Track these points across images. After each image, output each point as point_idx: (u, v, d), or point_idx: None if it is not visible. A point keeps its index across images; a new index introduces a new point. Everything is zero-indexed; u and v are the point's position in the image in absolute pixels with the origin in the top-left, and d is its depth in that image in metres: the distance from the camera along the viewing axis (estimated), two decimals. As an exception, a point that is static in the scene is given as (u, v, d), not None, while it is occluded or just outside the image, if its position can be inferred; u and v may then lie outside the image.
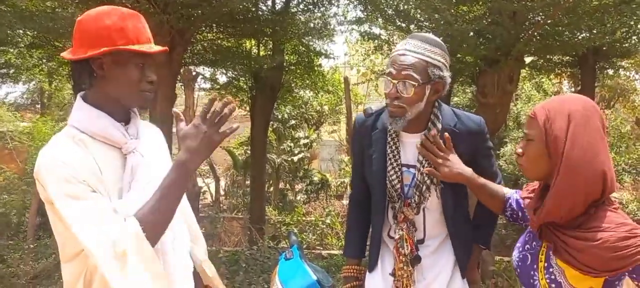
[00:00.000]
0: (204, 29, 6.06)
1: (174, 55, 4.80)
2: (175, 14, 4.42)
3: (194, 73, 10.09)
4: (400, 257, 2.07)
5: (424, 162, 2.01)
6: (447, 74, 1.97)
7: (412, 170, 2.06)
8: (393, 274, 2.10)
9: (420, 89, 1.92)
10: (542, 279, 1.51)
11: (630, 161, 9.36)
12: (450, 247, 2.12)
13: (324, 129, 15.64)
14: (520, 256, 1.63)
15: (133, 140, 1.62)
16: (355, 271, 2.31)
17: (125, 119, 1.65)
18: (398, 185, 2.06)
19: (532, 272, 1.55)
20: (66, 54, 1.58)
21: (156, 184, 1.55)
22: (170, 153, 2.03)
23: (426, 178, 2.02)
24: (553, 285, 1.48)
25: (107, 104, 1.59)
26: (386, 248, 2.18)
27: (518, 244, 1.68)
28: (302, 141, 13.28)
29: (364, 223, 2.29)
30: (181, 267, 1.71)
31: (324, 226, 8.11)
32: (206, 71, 9.19)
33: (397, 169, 2.05)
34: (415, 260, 2.06)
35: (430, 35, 2.01)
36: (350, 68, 14.27)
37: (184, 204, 1.93)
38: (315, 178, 13.25)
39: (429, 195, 2.05)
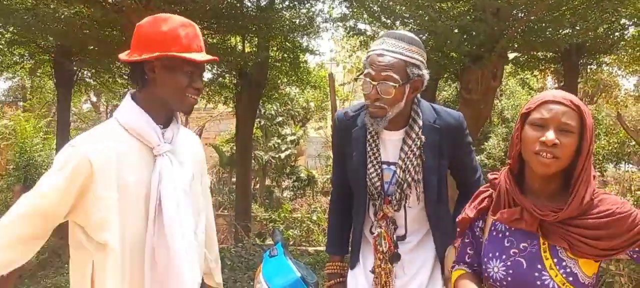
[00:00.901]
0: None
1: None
2: (157, 11, 4.39)
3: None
4: (379, 255, 2.07)
5: (405, 159, 2.02)
6: (425, 71, 1.97)
7: (392, 167, 2.06)
8: (373, 271, 2.11)
9: (400, 89, 1.92)
10: (556, 276, 1.44)
11: (612, 149, 9.55)
12: (431, 242, 2.13)
13: (310, 126, 15.65)
14: (510, 263, 1.51)
15: (166, 144, 1.70)
16: (338, 268, 2.31)
17: (165, 123, 1.73)
18: (378, 183, 2.06)
19: (536, 274, 1.46)
20: (123, 55, 1.70)
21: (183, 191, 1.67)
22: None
23: (407, 175, 2.03)
24: (570, 279, 1.43)
25: (152, 105, 1.69)
26: (368, 245, 2.18)
27: (493, 254, 1.55)
28: (289, 138, 13.28)
29: (346, 220, 2.29)
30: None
31: (310, 222, 8.12)
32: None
33: (377, 167, 2.05)
34: (394, 257, 2.06)
35: (407, 33, 2.00)
36: (337, 64, 14.28)
37: (208, 211, 2.03)
38: (302, 175, 13.26)
39: (410, 193, 2.05)
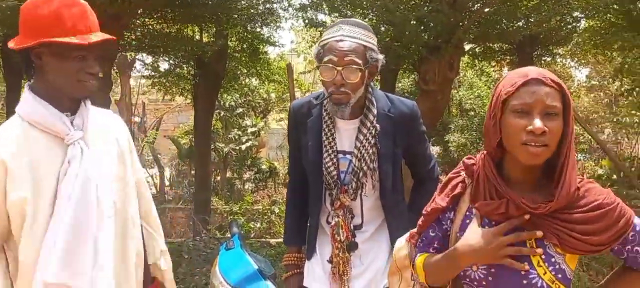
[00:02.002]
0: (142, 13, 5.86)
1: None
2: (106, -1, 4.24)
3: (130, 59, 9.79)
4: (337, 244, 2.07)
5: (361, 148, 2.02)
6: (380, 56, 2.01)
7: (348, 156, 2.05)
8: (330, 261, 2.11)
9: (362, 73, 1.94)
10: (545, 274, 1.32)
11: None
12: (386, 232, 2.14)
13: (271, 117, 15.57)
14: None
15: (77, 131, 1.59)
16: (295, 259, 2.30)
17: (71, 109, 1.62)
18: (334, 172, 2.05)
19: (522, 273, 1.32)
20: (12, 43, 1.58)
21: (90, 179, 1.55)
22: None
23: (363, 164, 2.03)
24: (559, 276, 1.33)
25: (50, 93, 1.58)
26: (325, 235, 2.18)
27: None
28: (250, 129, 13.15)
29: (303, 210, 2.27)
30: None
31: (272, 214, 8.09)
32: (146, 58, 8.89)
33: (333, 156, 2.05)
34: (352, 246, 2.07)
35: (360, 20, 2.04)
36: (297, 55, 14.23)
37: (144, 193, 1.92)
38: (264, 167, 13.18)
39: (366, 181, 2.05)
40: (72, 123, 1.60)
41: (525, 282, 1.32)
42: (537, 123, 1.25)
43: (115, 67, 9.02)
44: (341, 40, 1.93)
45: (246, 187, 12.78)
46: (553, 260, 1.32)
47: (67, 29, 1.51)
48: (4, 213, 1.53)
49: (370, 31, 2.01)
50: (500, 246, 1.31)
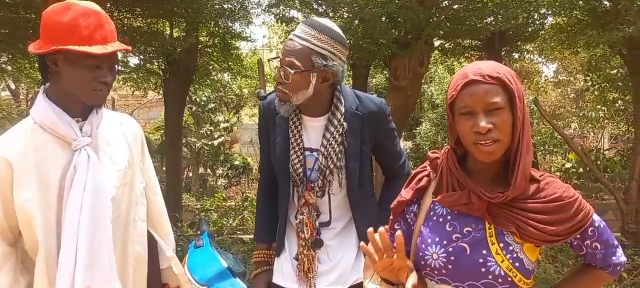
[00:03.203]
0: (110, 8, 5.75)
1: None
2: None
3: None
4: (301, 241, 2.07)
5: (328, 145, 2.02)
6: (335, 63, 1.93)
7: (315, 154, 2.05)
8: (296, 258, 2.11)
9: (302, 76, 1.90)
10: (503, 262, 1.35)
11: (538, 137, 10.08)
12: (355, 229, 2.15)
13: (244, 113, 15.48)
14: (451, 249, 1.39)
15: (85, 137, 1.63)
16: (265, 256, 2.29)
17: (83, 115, 1.66)
18: (300, 169, 2.05)
19: (480, 260, 1.36)
20: (32, 47, 1.61)
21: (99, 190, 1.60)
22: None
23: (329, 161, 2.03)
24: (517, 264, 1.35)
25: (63, 98, 1.62)
26: (293, 232, 2.18)
27: (432, 240, 1.42)
28: (222, 125, 13.08)
29: (273, 207, 2.26)
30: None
31: (245, 211, 8.05)
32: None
33: (299, 153, 2.05)
34: (316, 243, 2.07)
35: (323, 21, 1.97)
36: (270, 50, 14.15)
37: (155, 195, 1.98)
38: (237, 162, 13.12)
39: (333, 179, 2.06)
40: (81, 129, 1.64)
41: (483, 269, 1.36)
42: (481, 123, 1.29)
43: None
44: (291, 40, 1.93)
45: (219, 183, 12.70)
46: (511, 248, 1.36)
47: (83, 37, 1.54)
48: (13, 212, 1.58)
49: (326, 34, 1.92)
50: None
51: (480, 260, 1.36)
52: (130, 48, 1.70)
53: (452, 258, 1.38)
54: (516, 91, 1.33)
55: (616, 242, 1.47)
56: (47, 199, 1.59)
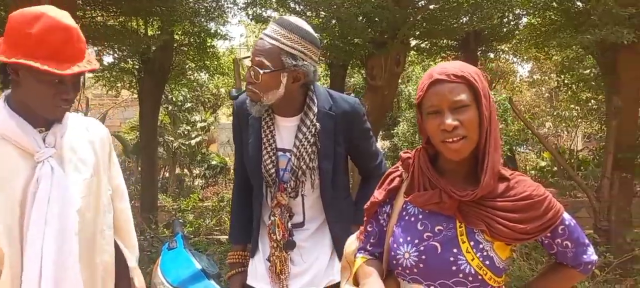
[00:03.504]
0: (82, 5, 5.64)
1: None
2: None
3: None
4: (273, 243, 2.06)
5: (300, 146, 2.00)
6: (305, 63, 1.91)
7: (287, 154, 2.03)
8: (269, 259, 2.09)
9: (272, 75, 1.88)
10: (473, 260, 1.36)
11: (511, 134, 10.21)
12: (328, 230, 2.13)
13: (221, 112, 15.35)
14: (423, 248, 1.39)
15: (49, 148, 1.56)
16: (239, 257, 2.27)
17: (45, 125, 1.58)
18: (273, 170, 2.04)
19: (451, 259, 1.37)
20: None
21: (66, 205, 1.53)
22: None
23: (302, 162, 2.01)
24: (487, 262, 1.36)
25: (24, 107, 1.56)
26: (266, 233, 2.16)
27: (404, 240, 1.43)
28: (199, 124, 12.94)
29: (248, 208, 2.25)
30: None
31: (222, 211, 7.98)
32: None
33: (272, 154, 2.03)
34: (289, 245, 2.06)
35: (294, 20, 1.95)
36: (247, 49, 14.05)
37: (122, 202, 1.90)
38: (214, 162, 13.00)
39: (305, 180, 2.04)
40: (44, 140, 1.57)
41: (454, 268, 1.37)
42: (447, 120, 1.32)
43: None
44: (261, 39, 1.92)
45: (196, 183, 12.57)
46: (481, 246, 1.37)
47: (49, 54, 1.46)
48: None
49: (297, 34, 1.90)
50: None
51: (451, 259, 1.37)
52: (97, 67, 1.61)
53: (423, 257, 1.39)
54: (482, 89, 1.35)
55: (587, 241, 1.48)
56: (12, 210, 1.52)
